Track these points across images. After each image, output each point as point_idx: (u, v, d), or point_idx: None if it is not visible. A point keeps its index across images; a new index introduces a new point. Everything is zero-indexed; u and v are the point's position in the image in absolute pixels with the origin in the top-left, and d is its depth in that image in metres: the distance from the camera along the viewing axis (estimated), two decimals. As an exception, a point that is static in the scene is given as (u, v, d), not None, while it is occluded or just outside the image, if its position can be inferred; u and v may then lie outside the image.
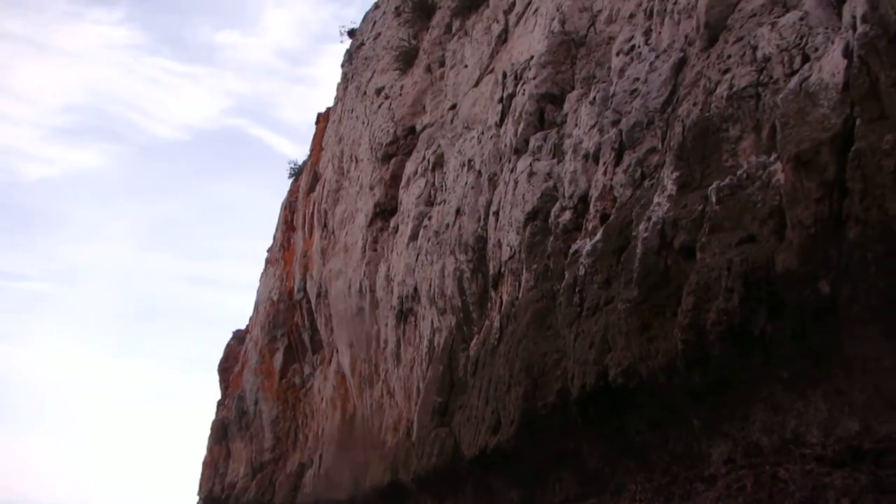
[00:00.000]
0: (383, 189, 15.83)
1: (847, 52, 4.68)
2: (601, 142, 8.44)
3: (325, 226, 18.54)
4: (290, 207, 22.52)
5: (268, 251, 25.08)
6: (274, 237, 24.35)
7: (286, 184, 24.37)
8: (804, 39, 6.06)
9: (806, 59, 5.90)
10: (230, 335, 28.67)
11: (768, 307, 4.55)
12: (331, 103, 22.18)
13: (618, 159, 8.09)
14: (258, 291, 25.04)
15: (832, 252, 4.17)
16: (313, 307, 19.43)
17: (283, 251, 22.21)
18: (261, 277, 25.32)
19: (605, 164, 8.25)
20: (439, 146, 14.34)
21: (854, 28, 4.78)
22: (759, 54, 6.44)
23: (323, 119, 21.84)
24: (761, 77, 6.31)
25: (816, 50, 5.77)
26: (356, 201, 17.02)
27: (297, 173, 23.33)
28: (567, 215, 8.84)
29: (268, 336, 21.89)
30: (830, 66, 4.79)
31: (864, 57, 4.24)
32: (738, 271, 4.72)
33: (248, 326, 26.18)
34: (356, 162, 17.74)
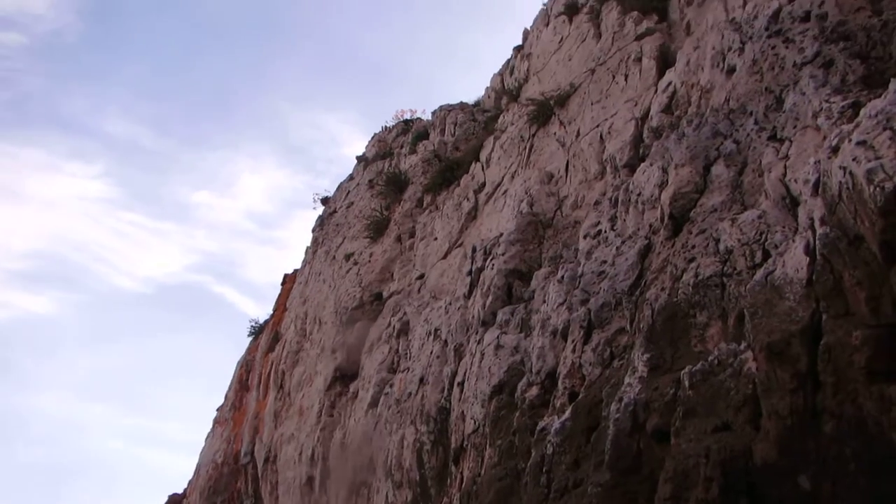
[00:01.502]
0: (345, 353, 15.63)
1: (808, 250, 4.97)
2: (570, 319, 8.59)
3: (282, 387, 18.02)
4: (246, 366, 21.93)
5: (217, 410, 24.03)
6: (226, 396, 23.44)
7: (245, 342, 23.96)
8: (763, 236, 6.47)
9: (766, 253, 6.26)
10: (165, 500, 26.65)
11: (749, 499, 4.46)
12: (298, 265, 22.44)
13: (587, 338, 8.20)
14: (202, 453, 23.68)
15: (810, 445, 4.17)
16: (259, 473, 18.38)
17: (233, 411, 21.32)
18: (207, 438, 24.04)
19: (573, 341, 8.34)
20: (405, 314, 14.41)
21: (813, 229, 5.12)
22: (721, 247, 6.81)
23: (290, 280, 21.95)
24: (725, 268, 6.63)
25: (776, 247, 6.14)
26: (316, 364, 16.71)
27: (257, 332, 23.00)
28: (534, 391, 8.78)
29: (206, 503, 20.44)
30: (794, 262, 5.07)
31: (828, 256, 4.51)
32: (717, 460, 4.66)
33: (185, 490, 24.45)
34: (320, 324, 17.64)
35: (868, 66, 6.59)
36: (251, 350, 22.49)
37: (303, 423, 16.08)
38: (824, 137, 6.29)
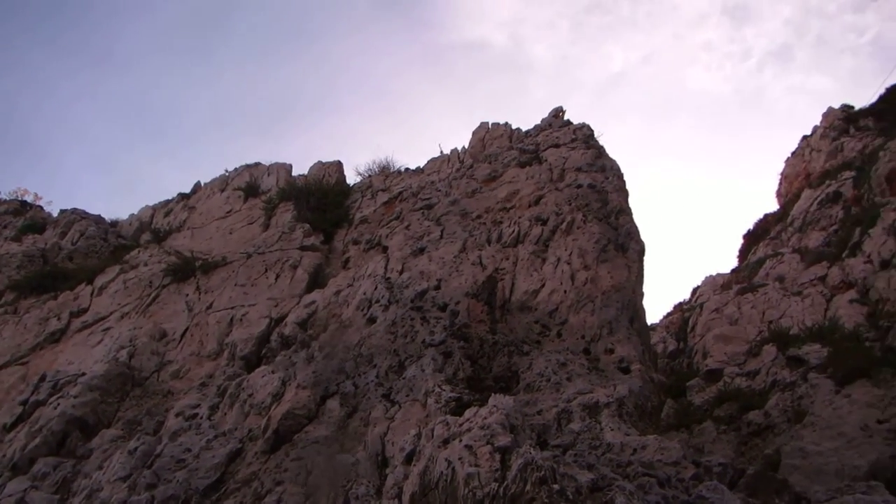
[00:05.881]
0: None
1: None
2: (128, 501, 7.76)
3: None
4: None
5: None
6: None
7: None
8: (350, 485, 6.87)
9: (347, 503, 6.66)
10: None
11: None
12: None
13: (139, 528, 7.45)
14: None
15: None
16: None
17: None
18: None
19: (122, 528, 7.50)
20: None
21: (400, 498, 5.67)
22: (311, 481, 7.05)
23: None
24: (307, 503, 6.83)
25: (358, 498, 6.59)
26: None
27: None
28: (46, 571, 7.50)
29: None
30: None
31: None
32: None
33: None
34: None
35: (476, 369, 7.94)
36: None
37: None
38: (427, 415, 7.22)
